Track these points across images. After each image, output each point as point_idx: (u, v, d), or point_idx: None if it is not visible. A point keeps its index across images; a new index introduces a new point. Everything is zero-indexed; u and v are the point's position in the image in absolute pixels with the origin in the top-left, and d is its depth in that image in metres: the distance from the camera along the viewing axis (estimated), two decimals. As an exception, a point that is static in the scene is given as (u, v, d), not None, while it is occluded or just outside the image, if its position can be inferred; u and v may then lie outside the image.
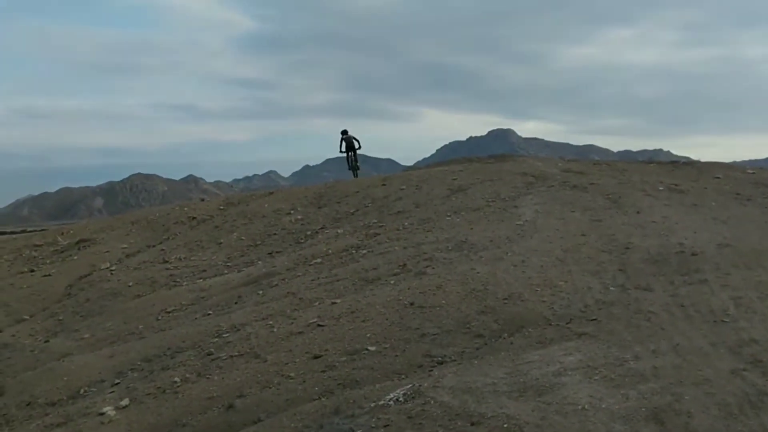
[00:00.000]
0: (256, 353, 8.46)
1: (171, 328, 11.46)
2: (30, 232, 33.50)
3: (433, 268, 10.53)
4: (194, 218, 20.02)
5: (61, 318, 14.67)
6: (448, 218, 14.24)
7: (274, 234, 17.32)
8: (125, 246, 18.85)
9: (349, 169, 25.05)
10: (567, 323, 7.84)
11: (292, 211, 18.72)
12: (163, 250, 17.88)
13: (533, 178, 17.29)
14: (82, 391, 9.34)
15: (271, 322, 9.57)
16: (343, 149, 24.77)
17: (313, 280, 11.78)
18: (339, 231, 15.84)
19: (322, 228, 16.87)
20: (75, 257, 18.77)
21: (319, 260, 13.33)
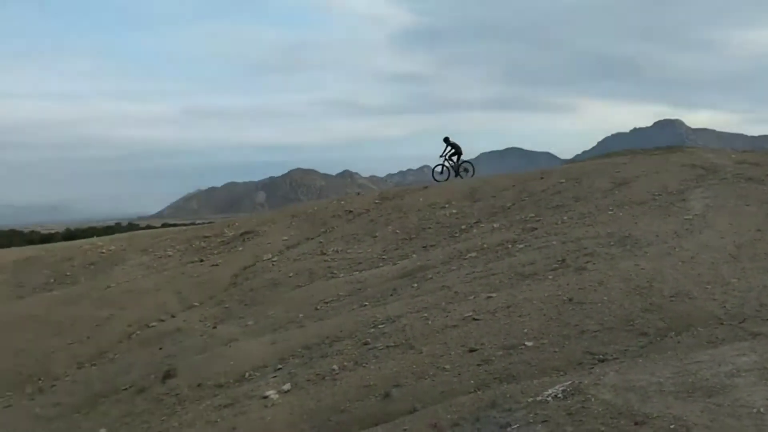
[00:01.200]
0: (411, 344, 8.49)
1: (329, 317, 11.80)
2: (199, 224, 35.86)
3: (594, 263, 10.12)
4: (350, 212, 20.52)
5: (227, 305, 15.54)
6: (610, 212, 13.68)
7: (429, 228, 17.40)
8: (286, 238, 19.66)
9: (456, 173, 24.25)
10: (740, 323, 7.32)
11: (446, 205, 18.72)
12: (321, 242, 18.47)
13: (703, 171, 16.27)
14: (247, 375, 9.81)
15: (426, 315, 9.58)
16: (448, 153, 24.22)
17: (468, 273, 11.69)
18: (494, 225, 15.65)
19: (477, 222, 16.75)
20: (240, 248, 19.82)
21: (474, 254, 13.23)
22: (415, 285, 12.18)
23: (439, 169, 24.28)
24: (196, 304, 16.38)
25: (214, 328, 13.94)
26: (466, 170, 24.41)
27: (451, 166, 24.23)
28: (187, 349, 12.70)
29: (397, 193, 22.12)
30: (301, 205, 30.02)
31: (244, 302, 15.38)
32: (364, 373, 8.00)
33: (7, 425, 12.26)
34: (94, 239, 30.36)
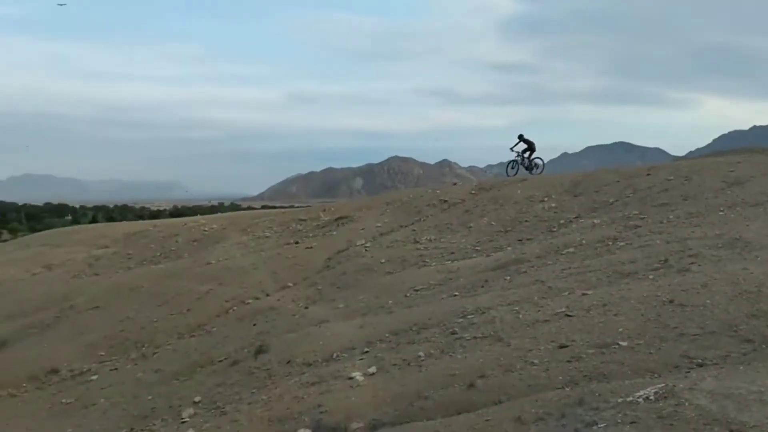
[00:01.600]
0: (500, 337, 8.33)
1: (418, 305, 11.80)
2: (296, 207, 36.83)
3: (699, 265, 9.63)
4: (445, 201, 20.44)
5: (319, 287, 15.86)
6: (720, 213, 13.00)
7: (526, 221, 17.09)
8: (379, 225, 19.82)
9: (527, 169, 25.40)
10: None
11: (545, 199, 18.33)
12: (414, 230, 18.49)
13: (825, 173, 15.22)
14: (335, 355, 9.97)
15: (516, 308, 9.40)
16: (520, 149, 25.47)
17: (563, 269, 11.38)
18: (595, 221, 15.18)
19: (576, 217, 16.32)
20: (334, 233, 20.20)
21: (571, 250, 12.87)
22: (508, 278, 11.98)
23: (511, 164, 25.74)
24: (290, 284, 16.78)
25: (306, 308, 14.26)
26: (536, 166, 25.64)
27: (521, 162, 25.52)
28: (279, 327, 13.10)
29: (494, 185, 21.87)
30: (396, 192, 30.23)
31: (336, 285, 15.63)
32: (450, 362, 7.92)
33: (113, 387, 13.12)
34: (198, 217, 31.76)
